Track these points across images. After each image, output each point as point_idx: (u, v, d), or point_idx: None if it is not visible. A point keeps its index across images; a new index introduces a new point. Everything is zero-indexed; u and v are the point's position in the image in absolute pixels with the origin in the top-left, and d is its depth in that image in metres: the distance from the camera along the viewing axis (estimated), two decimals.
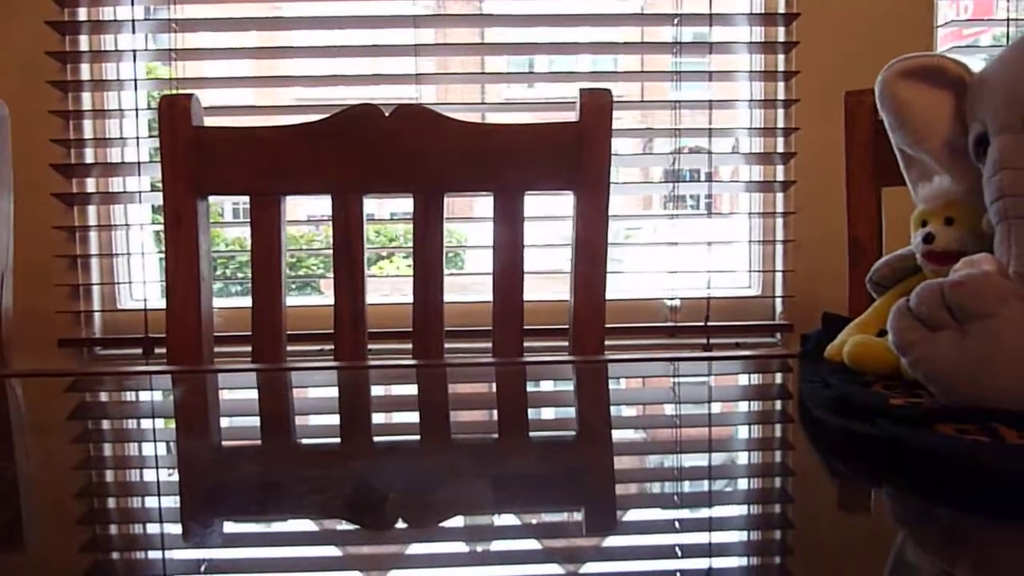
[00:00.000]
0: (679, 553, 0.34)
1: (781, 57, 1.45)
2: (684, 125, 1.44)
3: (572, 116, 0.95)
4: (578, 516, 0.39)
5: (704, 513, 0.38)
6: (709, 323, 1.44)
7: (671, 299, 1.46)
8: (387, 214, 2.11)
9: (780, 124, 1.44)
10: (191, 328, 0.93)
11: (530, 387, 0.74)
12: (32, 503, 0.42)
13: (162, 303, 1.45)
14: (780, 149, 1.44)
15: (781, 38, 1.44)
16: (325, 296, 1.65)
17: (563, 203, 1.07)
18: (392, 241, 1.91)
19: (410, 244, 0.96)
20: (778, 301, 1.47)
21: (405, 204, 1.02)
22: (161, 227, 1.51)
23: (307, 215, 1.98)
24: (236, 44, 1.41)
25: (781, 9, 1.43)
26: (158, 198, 1.43)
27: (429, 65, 1.46)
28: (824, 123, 1.09)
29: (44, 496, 0.43)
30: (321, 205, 1.02)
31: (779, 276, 1.47)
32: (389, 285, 1.64)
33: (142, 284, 1.44)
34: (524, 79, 1.68)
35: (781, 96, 1.44)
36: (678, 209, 1.47)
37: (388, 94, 1.44)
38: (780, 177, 1.46)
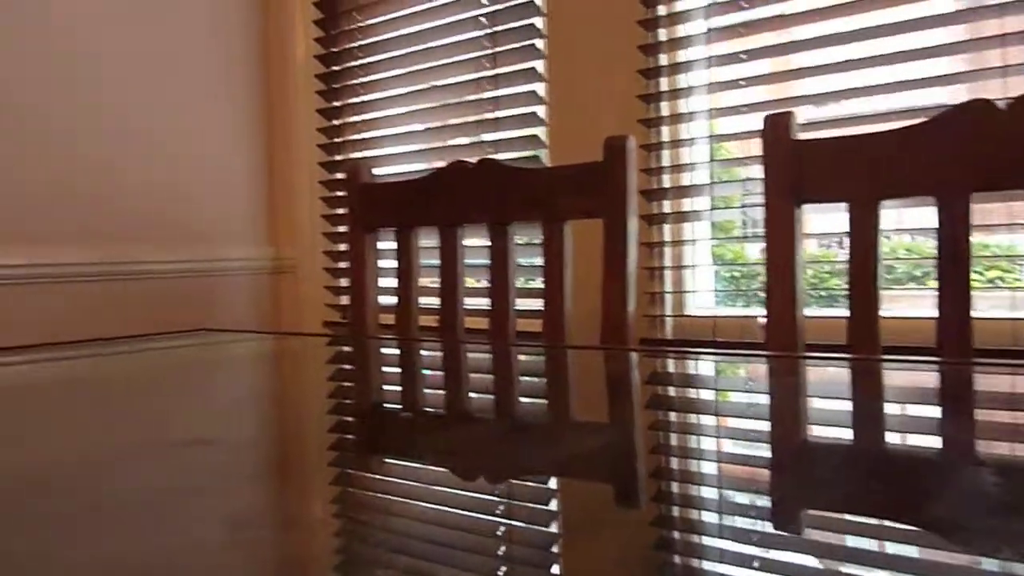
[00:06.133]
0: None
1: None
2: None
3: None
4: None
5: None
6: None
7: None
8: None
9: None
10: (787, 329, 0.99)
11: None
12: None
13: (720, 311, 1.57)
14: None
15: None
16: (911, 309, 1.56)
17: None
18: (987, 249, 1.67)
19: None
20: None
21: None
22: (716, 242, 1.64)
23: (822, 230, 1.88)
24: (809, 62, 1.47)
25: None
26: (715, 216, 1.57)
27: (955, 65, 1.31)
28: None
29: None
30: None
31: None
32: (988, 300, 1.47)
33: (703, 293, 1.59)
34: None
35: None
36: None
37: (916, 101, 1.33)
38: None
